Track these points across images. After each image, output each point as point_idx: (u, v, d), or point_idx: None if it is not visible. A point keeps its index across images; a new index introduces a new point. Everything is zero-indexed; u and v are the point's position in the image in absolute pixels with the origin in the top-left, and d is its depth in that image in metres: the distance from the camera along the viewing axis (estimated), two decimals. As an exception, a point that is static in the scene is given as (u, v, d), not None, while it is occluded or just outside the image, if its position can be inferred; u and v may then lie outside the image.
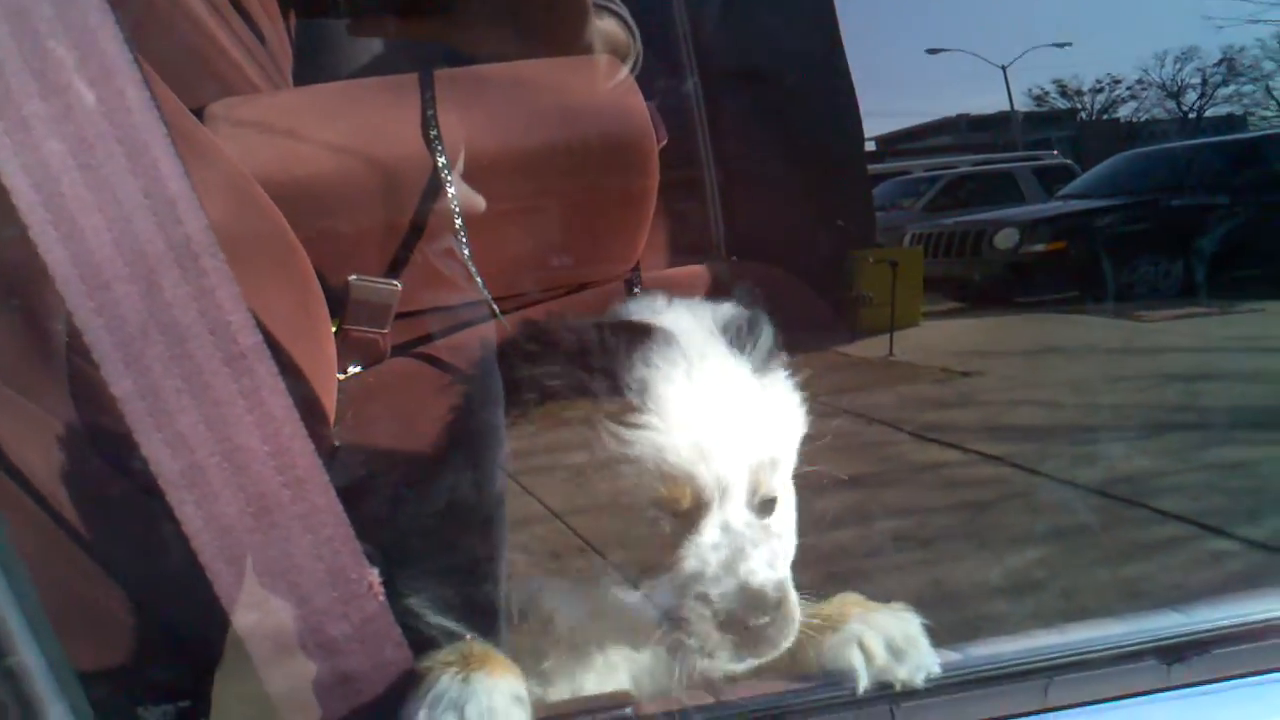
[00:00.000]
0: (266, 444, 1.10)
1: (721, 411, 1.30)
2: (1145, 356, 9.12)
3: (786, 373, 1.43)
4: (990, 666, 1.17)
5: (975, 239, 12.55)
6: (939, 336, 10.69)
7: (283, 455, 1.10)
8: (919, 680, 1.15)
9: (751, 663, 1.25)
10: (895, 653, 1.18)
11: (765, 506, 1.34)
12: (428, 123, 2.28)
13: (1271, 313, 9.93)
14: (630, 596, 1.28)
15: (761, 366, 1.38)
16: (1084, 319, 11.19)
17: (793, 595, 1.29)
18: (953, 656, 1.19)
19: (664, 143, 2.49)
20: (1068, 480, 5.77)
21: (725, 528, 1.28)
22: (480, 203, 2.27)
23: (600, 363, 1.30)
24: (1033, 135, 27.59)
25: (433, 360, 2.36)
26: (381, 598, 1.16)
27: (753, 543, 1.27)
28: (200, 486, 1.08)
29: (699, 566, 1.26)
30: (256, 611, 1.09)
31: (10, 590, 0.94)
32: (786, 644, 1.26)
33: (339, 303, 2.25)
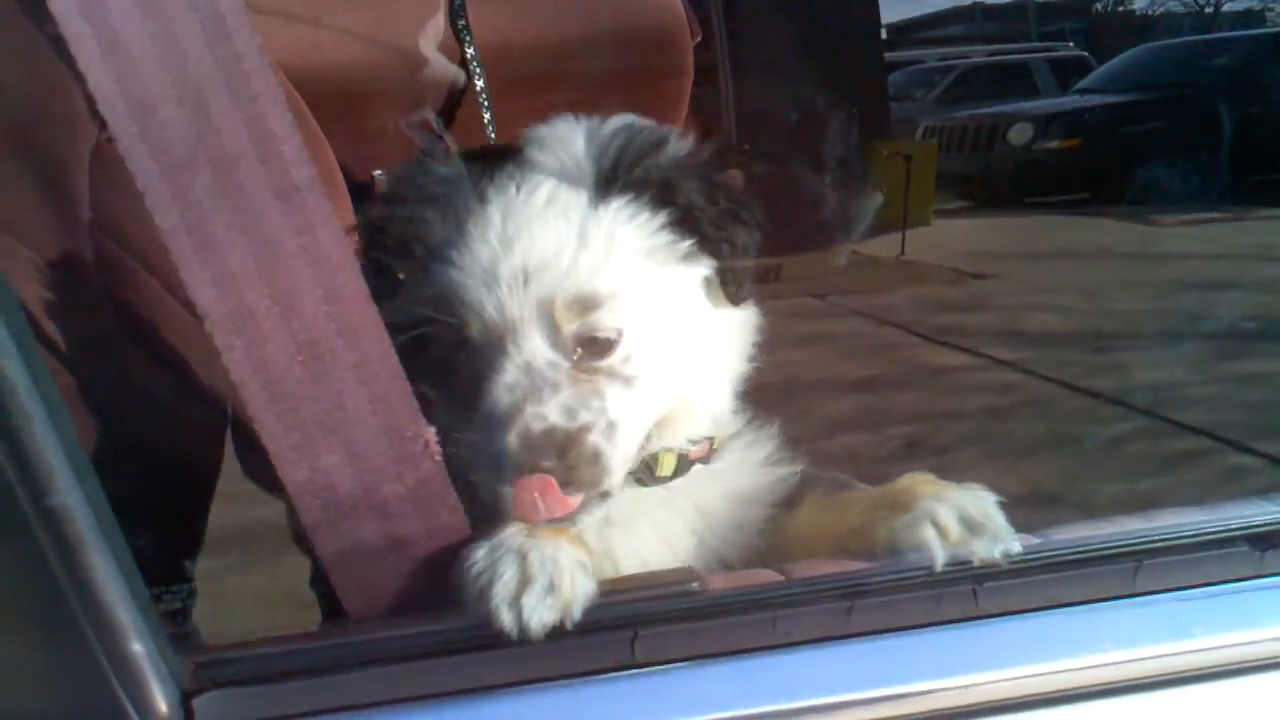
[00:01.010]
0: (319, 286, 1.06)
1: (519, 239, 1.29)
2: (1160, 263, 9.16)
3: (657, 209, 1.35)
4: (1076, 550, 1.16)
5: (989, 134, 12.48)
6: (950, 236, 10.67)
7: (337, 299, 1.06)
8: (998, 556, 1.14)
9: (578, 517, 1.25)
10: (972, 528, 1.17)
11: (594, 347, 1.30)
12: (456, 11, 2.24)
13: (1288, 220, 10.00)
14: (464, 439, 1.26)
15: (610, 194, 1.34)
16: (1096, 221, 11.19)
17: (610, 444, 1.27)
18: (1033, 541, 1.18)
19: (699, 38, 2.47)
20: (1084, 389, 5.83)
21: (526, 368, 1.27)
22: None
23: (438, 191, 1.35)
24: (1046, 26, 27.23)
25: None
26: (438, 457, 1.13)
27: (551, 385, 1.26)
28: (249, 330, 1.04)
29: (490, 407, 1.26)
30: (306, 468, 1.07)
31: (53, 430, 0.89)
32: (601, 489, 1.26)
33: (362, 200, 2.23)
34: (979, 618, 1.11)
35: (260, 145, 1.03)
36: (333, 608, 1.16)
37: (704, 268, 1.39)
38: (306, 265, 1.04)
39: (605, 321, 1.30)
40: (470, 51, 2.23)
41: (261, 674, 1.02)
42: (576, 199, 1.33)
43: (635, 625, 1.07)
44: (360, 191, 2.23)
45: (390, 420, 1.09)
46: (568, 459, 1.23)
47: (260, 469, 1.63)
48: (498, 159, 1.38)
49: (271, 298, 1.04)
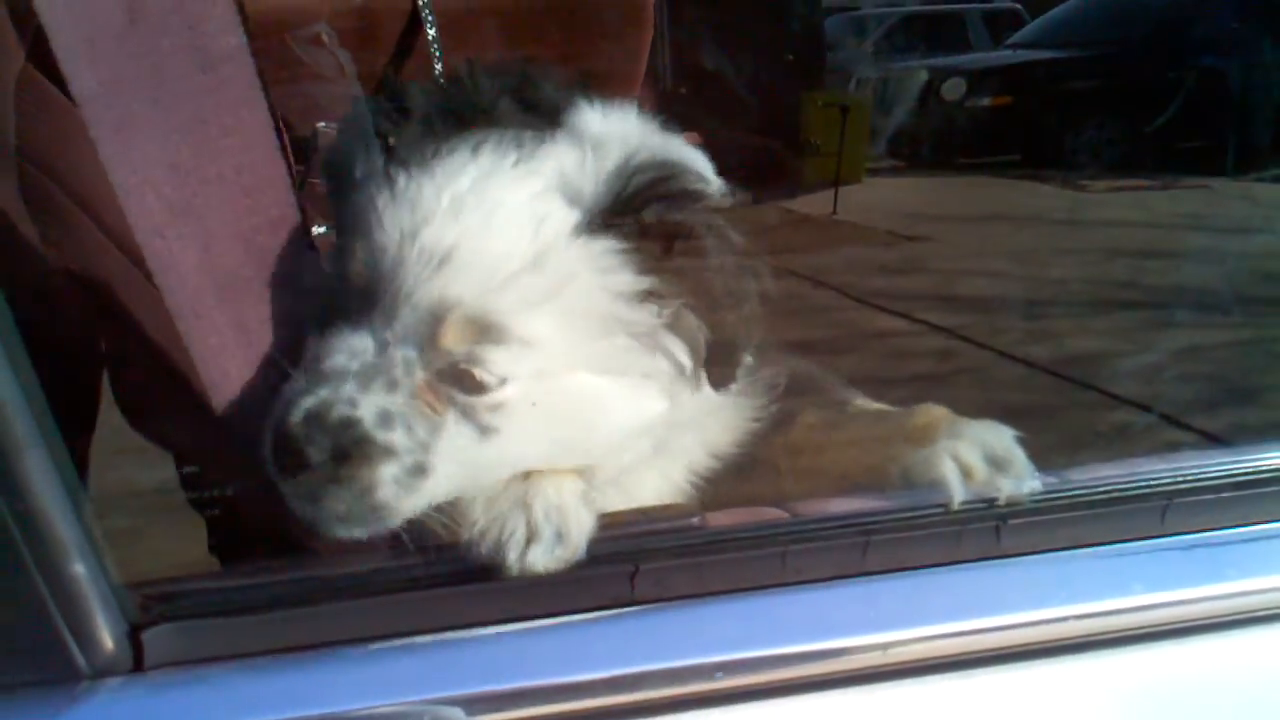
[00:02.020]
0: (243, 174, 1.04)
1: (467, 218, 1.14)
2: (1091, 229, 9.37)
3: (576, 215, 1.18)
4: (1102, 489, 1.17)
5: (924, 88, 12.60)
6: (882, 196, 10.79)
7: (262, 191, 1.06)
8: (1023, 494, 1.13)
9: (344, 528, 1.09)
10: (996, 464, 1.15)
11: (463, 378, 1.14)
12: None
13: (1217, 190, 10.28)
14: None
15: (602, 233, 1.18)
16: (1027, 185, 11.42)
17: (400, 488, 1.10)
18: (1050, 480, 1.17)
19: None
20: (1020, 358, 5.95)
21: (375, 348, 1.13)
22: None
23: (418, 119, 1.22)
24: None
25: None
26: None
27: (387, 383, 1.11)
28: (175, 227, 1.02)
29: (314, 358, 1.14)
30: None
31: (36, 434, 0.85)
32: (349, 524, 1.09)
33: (302, 153, 2.17)
34: (1001, 557, 1.11)
35: (186, 8, 0.98)
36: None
37: (675, 349, 1.23)
38: (228, 151, 1.03)
39: (493, 364, 1.14)
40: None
41: (221, 607, 0.96)
42: (559, 216, 1.17)
43: (635, 560, 1.04)
44: (301, 146, 2.18)
45: None
46: (338, 471, 1.07)
47: (146, 419, 1.59)
48: (516, 101, 1.25)
49: (192, 189, 1.02)
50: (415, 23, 2.20)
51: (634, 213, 1.17)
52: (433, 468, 1.12)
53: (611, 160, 1.20)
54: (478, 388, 1.13)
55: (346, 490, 1.07)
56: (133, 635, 0.93)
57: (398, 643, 0.97)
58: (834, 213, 9.42)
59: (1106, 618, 1.07)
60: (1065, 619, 1.06)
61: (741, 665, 1.00)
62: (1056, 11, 14.87)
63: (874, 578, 1.07)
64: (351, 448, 1.07)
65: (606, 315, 1.18)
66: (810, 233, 8.85)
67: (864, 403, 1.44)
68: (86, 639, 0.90)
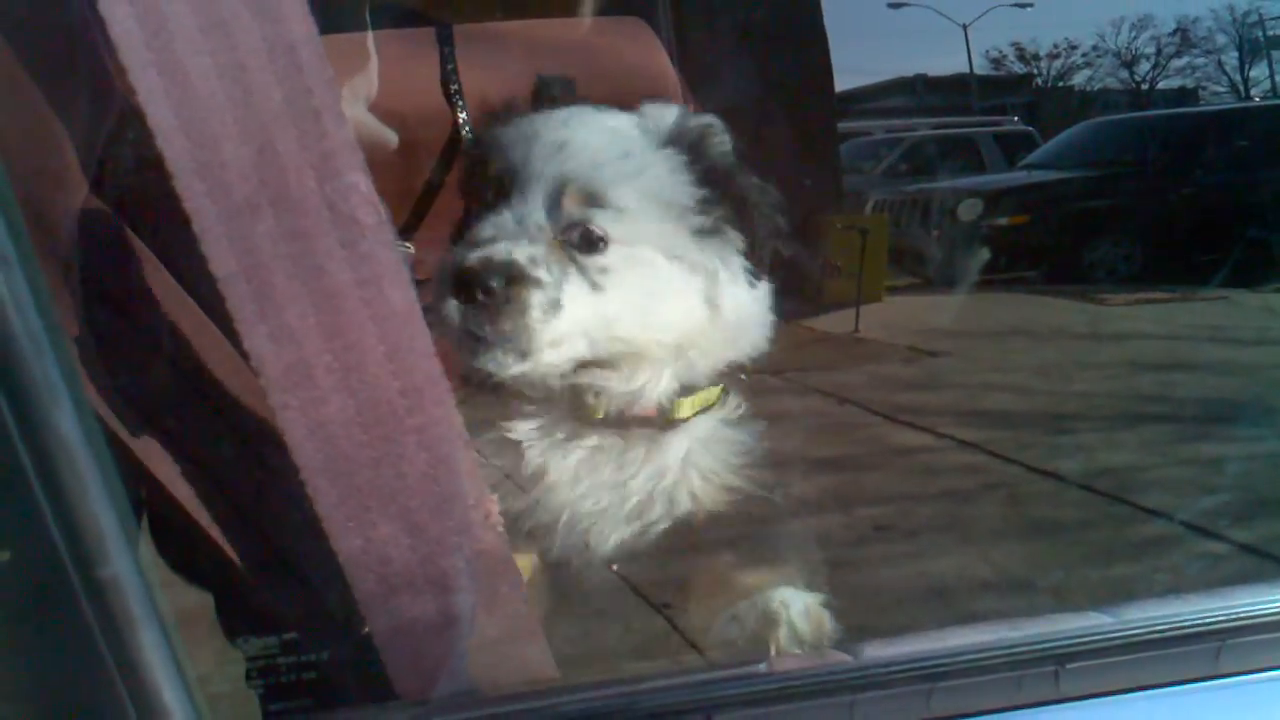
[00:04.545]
0: (384, 343, 1.04)
1: (575, 129, 1.57)
2: (1113, 343, 9.41)
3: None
4: (1155, 628, 1.16)
5: (939, 209, 12.77)
6: (902, 313, 10.86)
7: (401, 357, 1.05)
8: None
9: (496, 359, 1.47)
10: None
11: (582, 237, 1.51)
12: (448, 77, 2.29)
13: (1236, 302, 10.32)
14: None
15: (668, 147, 1.59)
16: (1046, 300, 11.49)
17: (544, 314, 1.46)
18: (1106, 619, 1.18)
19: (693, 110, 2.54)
20: (1049, 472, 5.93)
21: (519, 216, 1.51)
22: None
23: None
24: (988, 100, 28.21)
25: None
26: (500, 529, 1.14)
27: (530, 238, 1.49)
28: (306, 388, 1.02)
29: (476, 232, 1.51)
30: (360, 538, 1.04)
31: (106, 494, 0.88)
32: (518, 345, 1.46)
33: None
34: (1060, 700, 1.11)
35: (328, 186, 1.01)
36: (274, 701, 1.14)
37: (726, 244, 1.60)
38: (370, 320, 1.03)
39: (600, 223, 1.51)
40: (463, 117, 2.26)
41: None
42: (639, 135, 1.60)
43: (708, 709, 1.05)
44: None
45: (451, 487, 1.06)
46: (503, 295, 1.43)
47: (182, 557, 1.59)
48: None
49: (332, 354, 1.02)
50: (455, 141, 2.27)
51: (689, 143, 1.60)
52: (563, 305, 1.47)
53: (672, 117, 1.64)
54: (590, 247, 1.51)
55: (512, 310, 1.44)
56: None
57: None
58: (856, 330, 9.49)
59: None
60: (1127, 763, 1.07)
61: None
62: (1068, 133, 15.14)
63: (938, 725, 1.09)
64: (516, 276, 1.44)
65: (670, 205, 1.57)
66: (833, 350, 8.90)
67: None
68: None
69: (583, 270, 1.51)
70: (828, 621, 1.38)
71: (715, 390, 1.67)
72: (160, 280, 1.54)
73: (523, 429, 1.62)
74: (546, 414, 1.63)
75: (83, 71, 1.38)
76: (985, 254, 12.16)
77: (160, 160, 0.98)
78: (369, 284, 1.03)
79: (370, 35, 2.21)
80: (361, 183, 1.04)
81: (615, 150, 1.57)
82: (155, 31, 0.97)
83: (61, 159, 1.43)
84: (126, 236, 1.54)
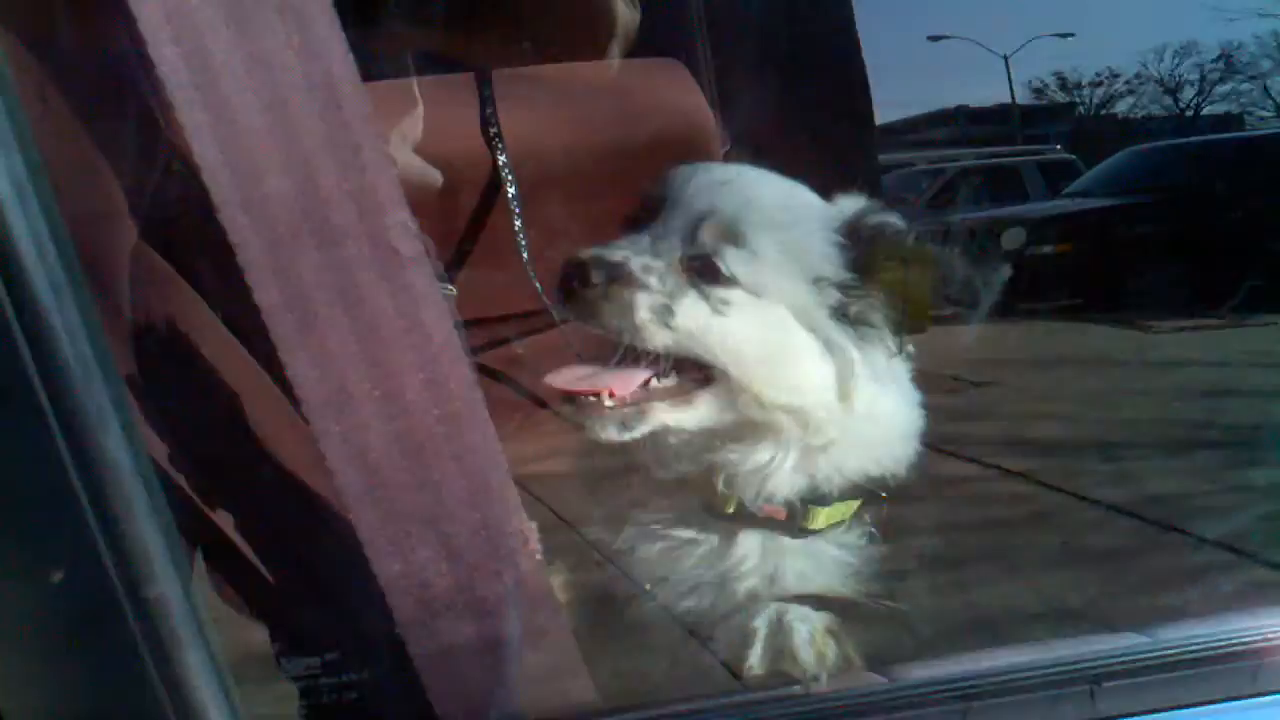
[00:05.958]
0: (423, 370, 1.06)
1: (737, 182, 1.65)
2: (1161, 369, 9.27)
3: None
4: (1192, 648, 1.16)
5: (983, 239, 12.68)
6: (946, 342, 10.75)
7: (440, 385, 1.06)
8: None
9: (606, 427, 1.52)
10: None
11: (705, 269, 1.56)
12: (488, 121, 2.32)
13: (1283, 326, 10.17)
14: None
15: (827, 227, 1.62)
16: (1091, 327, 11.36)
17: (652, 314, 1.51)
18: (1142, 639, 1.19)
19: (728, 148, 2.55)
20: (1097, 500, 5.85)
21: (654, 234, 1.60)
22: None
23: None
24: (1030, 130, 28.08)
25: (489, 372, 2.36)
26: (539, 555, 1.15)
27: (653, 254, 1.56)
28: (348, 415, 1.04)
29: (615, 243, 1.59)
30: (400, 562, 1.06)
31: (153, 518, 0.89)
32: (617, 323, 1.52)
33: None
34: (1096, 720, 1.10)
35: (368, 219, 1.04)
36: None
37: (869, 338, 1.63)
38: (410, 348, 1.05)
39: (731, 260, 1.54)
40: (502, 160, 2.28)
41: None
42: (807, 204, 1.66)
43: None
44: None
45: (490, 514, 1.08)
46: (603, 290, 1.50)
47: (236, 589, 1.61)
48: None
49: (372, 381, 1.04)
50: (494, 183, 2.32)
51: (856, 235, 1.62)
52: (675, 315, 1.51)
53: (855, 207, 1.68)
54: (713, 278, 1.55)
55: (614, 305, 1.50)
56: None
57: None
58: (901, 360, 9.39)
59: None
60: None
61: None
62: (1111, 161, 15.01)
63: (973, 744, 1.08)
64: (619, 276, 1.51)
65: (812, 272, 1.58)
66: (879, 382, 8.83)
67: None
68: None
69: (703, 295, 1.54)
70: (833, 647, 1.33)
71: (851, 505, 1.66)
72: (205, 319, 1.57)
73: (647, 519, 1.64)
74: (674, 504, 1.65)
75: (130, 114, 1.42)
76: (1029, 283, 12.06)
77: (205, 196, 1.02)
78: (409, 313, 1.06)
79: (415, 81, 2.26)
80: (402, 215, 1.07)
81: (771, 201, 1.61)
82: (200, 69, 1.00)
83: (111, 202, 1.47)
84: (174, 277, 1.58)
